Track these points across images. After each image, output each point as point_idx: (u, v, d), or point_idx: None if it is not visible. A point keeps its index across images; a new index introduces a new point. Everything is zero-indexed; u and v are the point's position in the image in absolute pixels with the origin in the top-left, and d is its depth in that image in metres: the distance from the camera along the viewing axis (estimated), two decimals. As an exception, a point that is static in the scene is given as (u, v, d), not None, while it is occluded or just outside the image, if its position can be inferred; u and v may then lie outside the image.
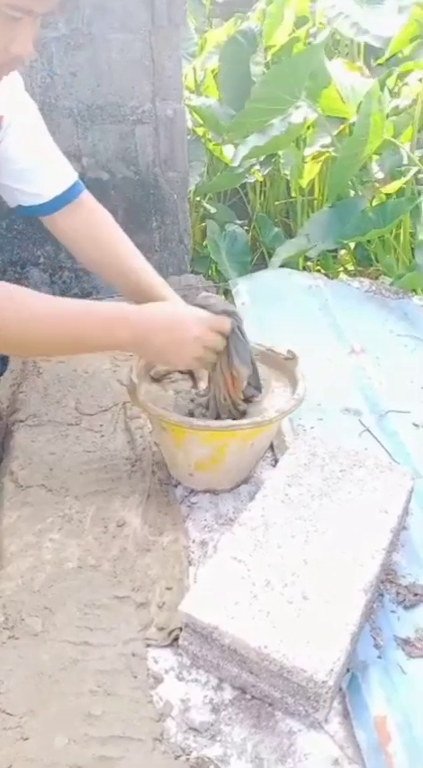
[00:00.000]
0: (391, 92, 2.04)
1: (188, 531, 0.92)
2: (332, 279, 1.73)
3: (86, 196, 1.08)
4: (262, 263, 2.39)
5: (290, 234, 2.49)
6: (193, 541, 0.91)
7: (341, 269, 2.21)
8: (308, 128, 2.14)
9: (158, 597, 0.81)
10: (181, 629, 0.75)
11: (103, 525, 0.91)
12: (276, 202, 2.72)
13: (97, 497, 0.96)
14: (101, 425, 1.12)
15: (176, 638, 0.76)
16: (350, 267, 2.21)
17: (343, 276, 2.07)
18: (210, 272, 2.42)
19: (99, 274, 1.13)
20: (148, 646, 0.76)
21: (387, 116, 1.89)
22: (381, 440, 1.09)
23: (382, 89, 1.78)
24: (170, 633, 0.76)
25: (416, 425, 1.13)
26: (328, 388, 1.20)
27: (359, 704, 0.69)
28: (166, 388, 1.00)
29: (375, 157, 2.05)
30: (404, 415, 1.14)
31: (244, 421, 0.89)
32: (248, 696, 0.72)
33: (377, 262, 2.19)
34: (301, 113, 1.99)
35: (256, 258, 2.37)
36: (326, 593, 0.73)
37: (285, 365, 1.01)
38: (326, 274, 1.95)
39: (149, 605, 0.80)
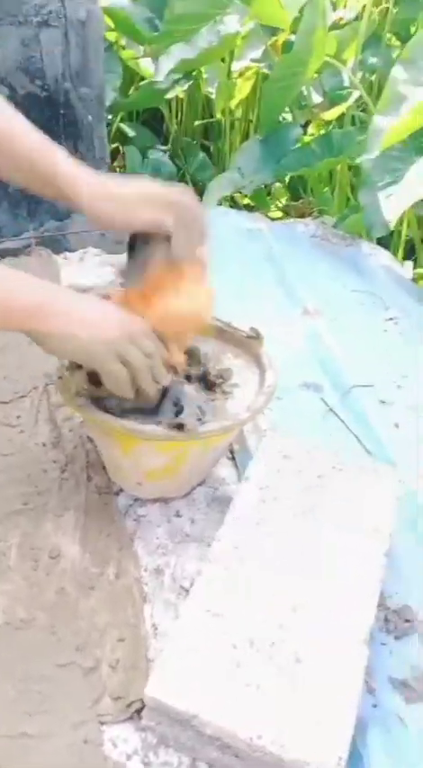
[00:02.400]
0: (332, 1, 1.80)
1: (138, 556, 0.76)
2: (269, 217, 1.56)
3: None
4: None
5: (212, 160, 2.26)
6: (146, 569, 0.75)
7: (274, 204, 2.03)
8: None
9: (110, 653, 0.65)
10: (142, 700, 0.61)
11: (33, 559, 0.73)
12: (196, 123, 2.46)
13: (22, 519, 0.77)
14: (18, 417, 0.92)
15: (138, 710, 0.61)
16: (284, 201, 2.03)
17: (277, 213, 1.89)
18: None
19: None
20: (103, 724, 0.61)
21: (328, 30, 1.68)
22: (347, 421, 0.96)
23: (323, -2, 1.55)
24: (129, 705, 0.61)
25: (382, 402, 1.01)
26: (284, 360, 1.04)
27: (363, 778, 0.58)
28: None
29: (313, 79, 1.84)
30: (369, 391, 1.01)
31: (211, 426, 0.71)
32: (231, 778, 0.59)
33: (312, 195, 2.02)
34: (234, 20, 1.73)
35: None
36: (322, 650, 0.60)
37: (247, 344, 0.85)
38: (262, 212, 1.77)
39: (99, 667, 0.64)
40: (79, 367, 0.75)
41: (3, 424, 0.90)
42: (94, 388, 0.73)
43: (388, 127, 1.30)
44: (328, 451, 0.79)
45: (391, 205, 1.28)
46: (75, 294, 0.71)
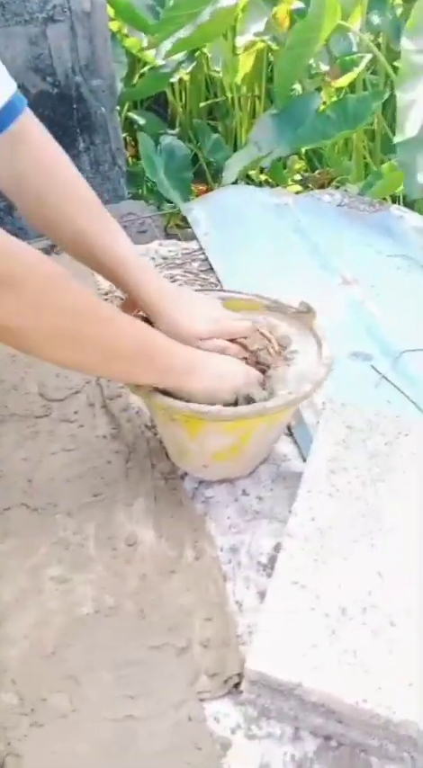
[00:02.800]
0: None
1: (212, 537, 0.77)
2: (291, 191, 1.54)
3: (28, 119, 0.78)
4: (200, 178, 2.15)
5: (226, 139, 2.24)
6: (221, 549, 0.76)
7: (291, 177, 2.01)
8: (237, 14, 1.85)
9: (200, 633, 0.66)
10: (239, 674, 0.62)
11: (111, 547, 0.74)
12: (201, 104, 2.43)
13: (94, 510, 0.79)
14: (76, 413, 0.93)
15: (235, 685, 0.62)
16: (301, 173, 2.01)
17: (295, 187, 1.87)
18: (141, 191, 2.15)
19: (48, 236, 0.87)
20: (202, 701, 0.62)
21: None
22: (401, 387, 0.96)
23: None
24: (226, 681, 0.63)
25: (434, 364, 1.00)
26: (329, 330, 1.04)
27: None
28: None
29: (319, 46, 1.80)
30: (421, 355, 1.01)
31: (276, 401, 0.72)
32: (334, 744, 0.60)
33: (328, 164, 1.99)
34: (232, -7, 1.69)
35: (193, 171, 2.12)
36: (414, 611, 0.60)
37: (298, 319, 0.84)
38: (281, 186, 1.75)
39: (192, 647, 0.65)
40: None
41: (61, 420, 0.91)
42: None
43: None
44: (391, 416, 0.79)
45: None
46: (204, 353, 0.77)
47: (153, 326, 0.77)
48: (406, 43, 1.39)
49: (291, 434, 0.91)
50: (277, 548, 0.72)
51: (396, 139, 1.31)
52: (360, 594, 0.61)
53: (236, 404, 0.73)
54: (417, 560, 0.64)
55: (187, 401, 0.72)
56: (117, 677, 0.62)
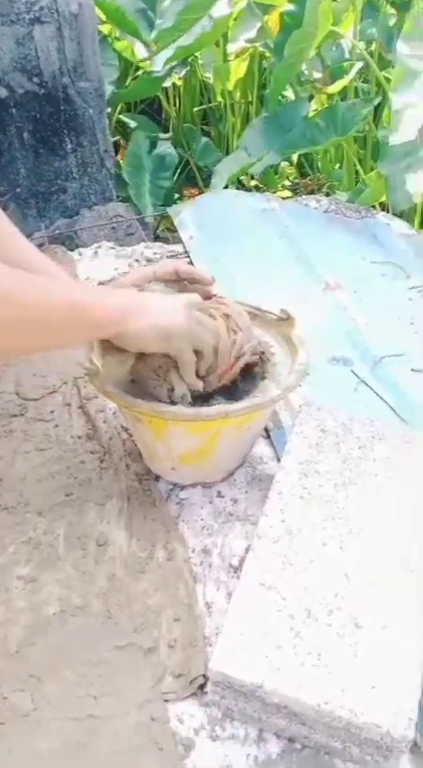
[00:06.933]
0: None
1: (184, 538, 0.77)
2: (279, 196, 1.54)
3: None
4: (192, 182, 2.15)
5: (214, 144, 2.24)
6: (193, 550, 0.76)
7: (282, 183, 2.01)
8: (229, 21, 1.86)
9: (167, 633, 0.66)
10: (205, 675, 0.61)
11: (81, 548, 0.74)
12: (195, 109, 2.44)
13: (66, 510, 0.78)
14: (52, 412, 0.92)
15: (200, 686, 0.62)
16: (292, 179, 2.01)
17: (285, 192, 1.88)
18: (131, 193, 2.15)
19: None
20: (167, 701, 0.62)
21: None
22: (379, 392, 0.96)
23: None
24: (191, 682, 0.62)
25: (414, 370, 1.00)
26: (310, 335, 1.03)
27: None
28: (127, 360, 0.80)
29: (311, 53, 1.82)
30: (400, 360, 1.01)
31: (241, 404, 0.71)
32: (298, 746, 0.60)
33: (320, 171, 2.00)
34: (225, 3, 1.71)
35: (184, 176, 2.13)
36: (380, 614, 0.60)
37: (277, 326, 0.84)
38: (272, 192, 1.75)
39: (158, 647, 0.65)
40: (111, 352, 0.76)
41: (37, 419, 0.91)
42: (152, 379, 0.74)
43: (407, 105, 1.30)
44: (364, 421, 0.79)
45: (415, 178, 1.28)
46: (141, 293, 0.75)
47: None
48: (402, 47, 1.40)
49: (268, 437, 0.91)
50: (249, 550, 0.72)
51: (391, 142, 1.32)
52: (326, 596, 0.61)
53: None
54: (384, 563, 0.64)
55: (144, 359, 0.73)
56: (81, 677, 0.62)
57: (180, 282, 0.80)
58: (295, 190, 1.99)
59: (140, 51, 2.04)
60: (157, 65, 1.80)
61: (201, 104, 2.43)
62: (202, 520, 0.79)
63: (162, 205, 1.81)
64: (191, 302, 0.73)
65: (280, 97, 1.75)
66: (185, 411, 0.70)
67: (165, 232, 2.00)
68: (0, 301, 0.58)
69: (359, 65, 1.67)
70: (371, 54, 1.84)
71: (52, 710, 0.59)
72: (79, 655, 0.63)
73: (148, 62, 1.97)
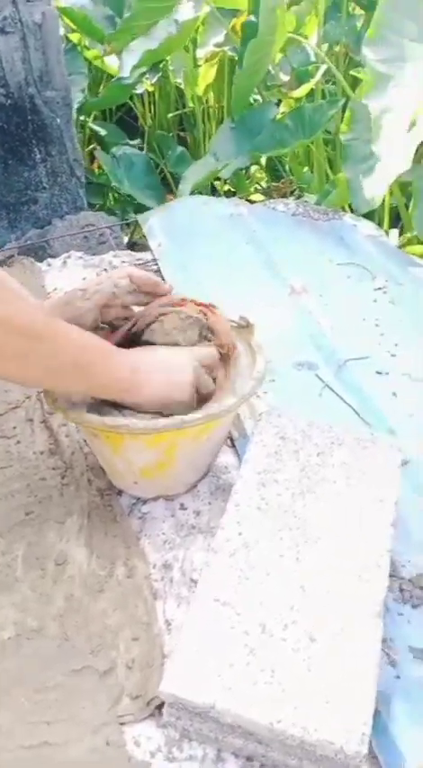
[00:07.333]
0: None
1: (145, 554, 0.76)
2: (249, 201, 1.54)
3: None
4: (167, 189, 2.14)
5: (190, 150, 2.24)
6: (154, 566, 0.74)
7: (254, 187, 2.01)
8: (197, 26, 1.86)
9: (125, 653, 0.65)
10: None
11: (40, 568, 0.73)
12: (169, 115, 2.43)
13: (26, 529, 0.77)
14: (14, 428, 0.91)
15: (158, 706, 0.61)
16: (264, 184, 2.01)
17: (258, 196, 1.87)
18: (108, 201, 2.14)
19: None
20: (123, 724, 0.60)
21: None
22: (344, 396, 0.95)
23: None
24: (149, 703, 0.61)
25: (379, 373, 0.99)
26: (275, 340, 1.03)
27: (391, 751, 0.58)
28: None
29: (278, 57, 1.81)
30: (364, 363, 1.00)
31: (196, 415, 0.71)
32: (257, 765, 0.59)
33: (291, 174, 2.00)
34: (189, 7, 1.71)
35: (159, 183, 2.11)
36: (335, 628, 0.59)
37: (238, 333, 0.84)
38: (243, 197, 1.75)
39: (116, 668, 0.64)
40: None
41: (-2, 436, 0.90)
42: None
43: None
44: (324, 427, 0.78)
45: (372, 183, 1.27)
46: (145, 353, 0.76)
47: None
48: (367, 53, 1.38)
49: (233, 446, 0.90)
50: (205, 565, 0.71)
51: (374, 150, 1.30)
52: (281, 610, 0.60)
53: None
54: (341, 573, 0.63)
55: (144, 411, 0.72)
56: (35, 703, 0.61)
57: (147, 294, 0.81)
58: (268, 193, 1.99)
59: (111, 59, 2.03)
60: (125, 71, 1.79)
61: (176, 110, 2.43)
62: (163, 534, 0.78)
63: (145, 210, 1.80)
64: (197, 366, 0.74)
65: (251, 101, 1.74)
66: (138, 424, 0.69)
67: (143, 239, 1.99)
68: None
69: (324, 67, 1.66)
70: (336, 56, 1.84)
71: (4, 739, 0.58)
72: (34, 679, 0.62)
73: (120, 71, 1.96)
